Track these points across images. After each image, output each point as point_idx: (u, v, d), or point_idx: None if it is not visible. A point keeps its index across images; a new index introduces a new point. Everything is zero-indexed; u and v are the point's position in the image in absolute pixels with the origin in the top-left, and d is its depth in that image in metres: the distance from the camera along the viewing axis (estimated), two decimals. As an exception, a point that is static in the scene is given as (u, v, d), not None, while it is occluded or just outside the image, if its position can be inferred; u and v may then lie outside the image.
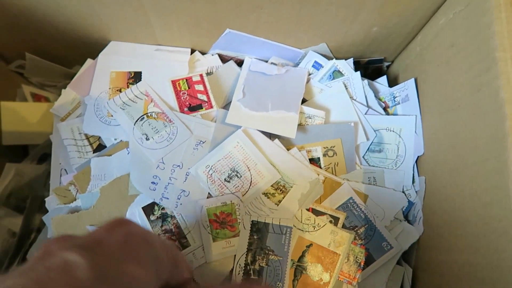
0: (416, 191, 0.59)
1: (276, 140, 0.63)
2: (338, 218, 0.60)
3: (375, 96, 0.64)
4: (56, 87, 0.88)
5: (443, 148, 0.53)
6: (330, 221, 0.60)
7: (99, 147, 0.64)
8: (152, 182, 0.60)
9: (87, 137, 0.64)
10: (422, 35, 0.60)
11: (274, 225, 0.59)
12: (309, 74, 0.70)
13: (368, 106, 0.64)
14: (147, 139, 0.62)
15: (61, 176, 0.64)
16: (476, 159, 0.44)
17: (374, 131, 0.62)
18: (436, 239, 0.55)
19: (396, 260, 0.59)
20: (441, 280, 0.54)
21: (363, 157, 0.63)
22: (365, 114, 0.63)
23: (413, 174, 0.60)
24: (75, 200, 0.60)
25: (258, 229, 0.59)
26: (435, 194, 0.55)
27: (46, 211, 0.69)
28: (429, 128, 0.57)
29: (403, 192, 0.60)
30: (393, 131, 0.61)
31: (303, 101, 0.67)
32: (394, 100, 0.63)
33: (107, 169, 0.61)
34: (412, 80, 0.60)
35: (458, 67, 0.48)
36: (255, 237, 0.58)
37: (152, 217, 0.58)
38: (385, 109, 0.64)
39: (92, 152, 0.64)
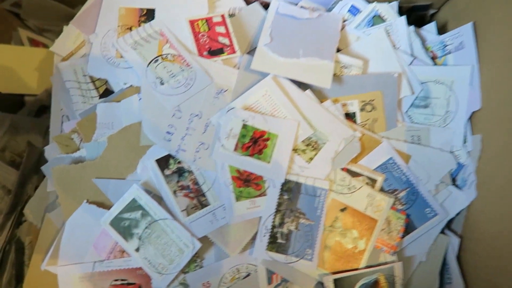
0: (467, 152, 0.53)
1: (308, 91, 0.55)
2: (376, 180, 0.54)
3: (422, 45, 0.56)
4: (56, 33, 0.79)
5: (506, 102, 0.46)
6: (367, 183, 0.53)
7: (106, 92, 0.56)
8: (167, 132, 0.52)
9: (93, 80, 0.56)
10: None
11: (307, 186, 0.52)
12: (344, 21, 0.62)
13: (413, 55, 0.56)
14: (162, 83, 0.54)
15: (62, 123, 0.56)
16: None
17: (420, 83, 0.55)
18: (490, 206, 0.48)
19: (440, 228, 0.53)
20: (492, 251, 0.48)
21: (405, 112, 0.56)
22: (410, 64, 0.56)
23: (465, 133, 0.53)
24: (78, 149, 0.53)
25: (289, 188, 0.52)
26: (492, 155, 0.48)
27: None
28: (488, 80, 0.50)
29: (451, 152, 0.53)
30: (443, 84, 0.54)
31: (337, 50, 0.59)
32: (444, 49, 0.55)
33: (115, 117, 0.54)
34: (470, 24, 0.52)
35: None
36: (285, 197, 0.52)
37: (167, 172, 0.51)
38: (432, 59, 0.56)
39: (98, 97, 0.56)
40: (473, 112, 0.52)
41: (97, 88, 0.56)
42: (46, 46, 0.80)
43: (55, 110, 0.56)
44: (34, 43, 0.78)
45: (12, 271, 0.62)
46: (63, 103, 0.56)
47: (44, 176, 0.65)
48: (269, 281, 0.51)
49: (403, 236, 0.53)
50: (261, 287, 0.51)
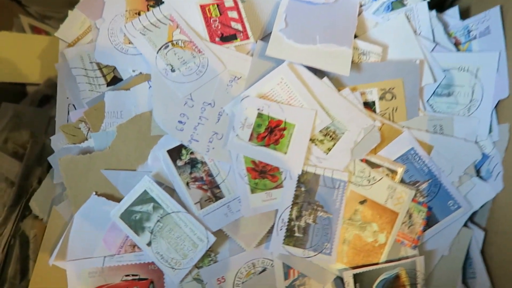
0: (493, 142, 0.50)
1: (325, 79, 0.53)
2: (396, 172, 0.52)
3: (444, 30, 0.54)
4: (59, 19, 0.76)
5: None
6: (387, 175, 0.51)
7: (114, 80, 0.54)
8: (179, 121, 0.50)
9: (100, 67, 0.54)
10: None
11: (325, 177, 0.49)
12: (361, 6, 0.59)
13: (435, 41, 0.54)
14: (173, 70, 0.51)
15: (68, 112, 0.54)
16: None
17: (443, 71, 0.52)
18: (518, 198, 0.46)
19: (463, 221, 0.51)
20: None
21: (427, 101, 0.54)
22: (432, 51, 0.53)
23: (491, 122, 0.50)
24: (86, 139, 0.51)
25: (306, 180, 0.50)
26: (520, 145, 0.46)
27: (47, 161, 0.60)
28: (517, 66, 0.47)
29: (476, 143, 0.51)
30: (468, 71, 0.51)
31: (354, 36, 0.56)
32: (469, 35, 0.53)
33: (125, 105, 0.52)
34: (497, 8, 0.50)
35: None
36: (302, 189, 0.49)
37: (179, 163, 0.49)
38: (455, 45, 0.54)
39: (105, 85, 0.54)
40: (500, 101, 0.50)
41: (104, 76, 0.54)
42: (48, 34, 0.77)
43: (61, 99, 0.54)
44: (36, 30, 0.76)
45: (17, 266, 0.61)
46: (69, 92, 0.54)
47: (48, 168, 0.63)
48: (286, 276, 0.49)
49: (424, 230, 0.51)
50: (278, 283, 0.49)
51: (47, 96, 0.73)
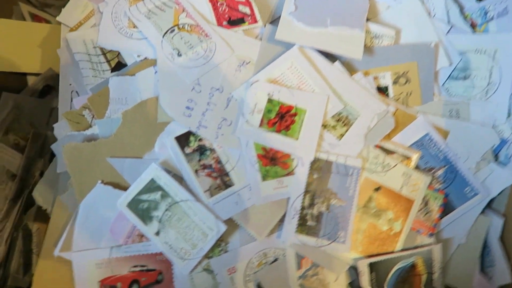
0: (512, 126, 0.49)
1: (337, 63, 0.51)
2: (411, 158, 0.50)
3: (460, 12, 0.52)
4: (59, 7, 0.74)
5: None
6: (402, 161, 0.50)
7: (119, 65, 0.52)
8: (186, 107, 0.48)
9: (104, 52, 0.52)
10: None
11: (338, 164, 0.48)
12: (372, -11, 0.57)
13: (450, 24, 0.52)
14: (179, 55, 0.50)
15: (72, 100, 0.52)
16: None
17: (459, 53, 0.51)
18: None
19: (481, 208, 0.50)
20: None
21: (442, 85, 0.52)
22: (447, 34, 0.52)
23: (509, 105, 0.49)
24: (90, 127, 0.49)
25: (319, 167, 0.48)
26: (541, 128, 0.45)
27: (50, 152, 0.59)
28: (537, 47, 0.46)
29: (493, 127, 0.50)
30: (485, 53, 0.50)
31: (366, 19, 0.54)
32: (486, 16, 0.51)
33: (130, 91, 0.50)
34: (516, -13, 0.48)
35: None
36: (315, 176, 0.48)
37: (188, 150, 0.47)
38: (472, 27, 0.52)
39: (109, 71, 0.52)
40: (519, 83, 0.49)
41: (108, 61, 0.52)
42: (49, 22, 0.75)
43: (64, 85, 0.52)
44: (36, 18, 0.73)
45: (20, 260, 0.59)
46: (72, 78, 0.52)
47: (50, 160, 0.61)
48: (299, 266, 0.48)
49: (441, 217, 0.50)
50: (290, 273, 0.48)
51: (48, 87, 0.71)
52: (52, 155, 0.54)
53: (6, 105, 0.65)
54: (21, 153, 0.64)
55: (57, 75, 0.66)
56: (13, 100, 0.66)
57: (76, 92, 0.52)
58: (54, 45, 0.60)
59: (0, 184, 0.62)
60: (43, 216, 0.56)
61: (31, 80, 0.71)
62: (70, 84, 0.52)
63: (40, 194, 0.52)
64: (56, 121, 0.55)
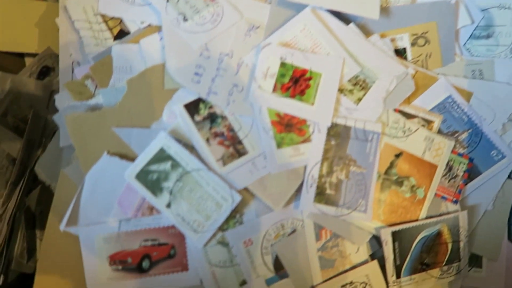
0: (540, 84, 0.46)
1: (352, 25, 0.49)
2: (433, 122, 0.48)
3: (480, -34, 0.49)
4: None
5: None
6: (423, 125, 0.47)
7: (121, 34, 0.50)
8: (195, 73, 0.46)
9: (105, 20, 0.49)
10: None
11: (357, 130, 0.45)
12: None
13: (470, -20, 0.49)
14: (185, 19, 0.47)
15: (73, 71, 0.49)
16: None
17: (481, 10, 0.48)
18: None
19: (508, 172, 0.48)
20: None
21: (464, 45, 0.49)
22: (467, -10, 0.49)
23: (537, 62, 0.47)
24: (93, 97, 0.46)
25: (337, 133, 0.45)
26: None
27: (51, 136, 0.56)
28: None
29: (520, 86, 0.47)
30: (510, 8, 0.47)
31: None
32: (508, -31, 0.48)
33: (134, 59, 0.47)
34: None
35: None
36: (333, 143, 0.45)
37: (197, 118, 0.45)
38: (493, -18, 0.50)
39: (112, 39, 0.49)
40: (547, 38, 0.46)
41: (110, 29, 0.49)
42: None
43: (64, 55, 0.50)
44: (33, -4, 0.70)
45: (24, 244, 0.57)
46: (72, 48, 0.49)
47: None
48: (318, 237, 0.45)
49: (466, 183, 0.47)
50: (309, 244, 0.45)
51: (47, 68, 0.68)
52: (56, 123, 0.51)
53: (3, 86, 0.63)
54: (21, 136, 0.61)
55: (56, 55, 0.64)
56: (11, 81, 0.63)
57: (78, 62, 0.49)
58: (52, 24, 0.58)
59: (0, 168, 0.59)
60: (46, 198, 0.54)
61: (28, 62, 0.68)
62: (71, 55, 0.50)
63: (43, 169, 0.49)
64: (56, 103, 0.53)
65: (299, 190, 0.45)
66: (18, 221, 0.56)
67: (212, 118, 0.45)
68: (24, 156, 0.60)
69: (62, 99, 0.47)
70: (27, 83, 0.66)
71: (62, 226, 0.42)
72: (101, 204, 0.43)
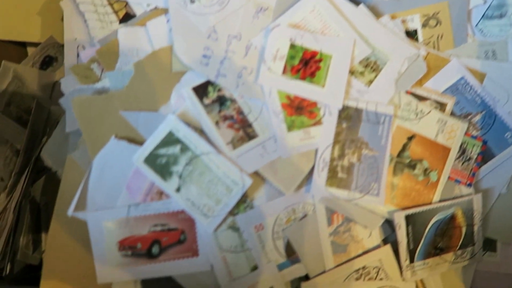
0: (556, 63, 0.46)
1: (362, 6, 0.48)
2: (446, 104, 0.47)
3: None
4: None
5: None
6: (436, 108, 0.46)
7: (127, 17, 0.49)
8: (203, 56, 0.45)
9: (110, 3, 0.48)
10: None
11: (368, 112, 0.44)
12: None
13: (482, -43, 0.48)
14: (192, 1, 0.46)
15: (78, 55, 0.48)
16: None
17: (494, -10, 0.47)
18: None
19: None
20: None
21: (476, 26, 0.48)
22: (479, -31, 0.48)
23: (552, 41, 0.46)
24: (99, 80, 0.45)
25: (348, 115, 0.44)
26: None
27: (54, 127, 0.55)
28: None
29: (535, 66, 0.46)
30: (523, -13, 0.46)
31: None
32: None
33: (140, 42, 0.46)
34: None
35: None
36: (344, 125, 0.44)
37: (206, 101, 0.44)
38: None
39: (117, 22, 0.48)
40: (563, 16, 0.45)
41: (116, 12, 0.48)
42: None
43: (69, 40, 0.49)
44: (35, -16, 0.69)
45: (29, 236, 0.56)
46: (77, 31, 0.49)
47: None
48: (329, 221, 0.45)
49: (480, 166, 0.46)
50: (321, 229, 0.44)
51: (50, 57, 0.67)
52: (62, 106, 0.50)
53: (6, 75, 0.62)
54: (24, 127, 0.60)
55: (59, 45, 0.63)
56: (14, 70, 0.63)
57: (83, 46, 0.48)
58: (55, 13, 0.57)
59: (5, 160, 0.58)
60: (51, 188, 0.53)
61: (31, 51, 0.67)
62: (76, 39, 0.49)
63: (49, 155, 0.48)
64: (61, 95, 0.52)
65: (310, 173, 0.45)
66: (24, 210, 0.56)
67: (221, 101, 0.44)
68: (28, 147, 0.59)
69: (68, 83, 0.46)
70: (30, 72, 0.65)
71: (70, 211, 0.42)
72: (109, 189, 0.42)
